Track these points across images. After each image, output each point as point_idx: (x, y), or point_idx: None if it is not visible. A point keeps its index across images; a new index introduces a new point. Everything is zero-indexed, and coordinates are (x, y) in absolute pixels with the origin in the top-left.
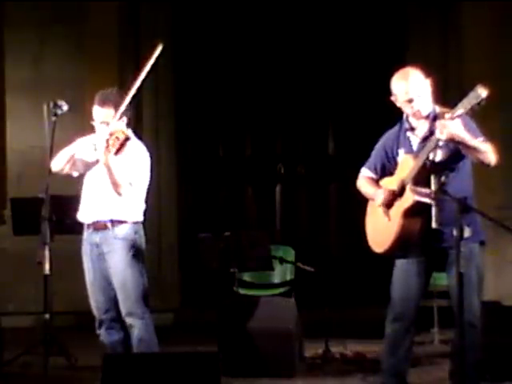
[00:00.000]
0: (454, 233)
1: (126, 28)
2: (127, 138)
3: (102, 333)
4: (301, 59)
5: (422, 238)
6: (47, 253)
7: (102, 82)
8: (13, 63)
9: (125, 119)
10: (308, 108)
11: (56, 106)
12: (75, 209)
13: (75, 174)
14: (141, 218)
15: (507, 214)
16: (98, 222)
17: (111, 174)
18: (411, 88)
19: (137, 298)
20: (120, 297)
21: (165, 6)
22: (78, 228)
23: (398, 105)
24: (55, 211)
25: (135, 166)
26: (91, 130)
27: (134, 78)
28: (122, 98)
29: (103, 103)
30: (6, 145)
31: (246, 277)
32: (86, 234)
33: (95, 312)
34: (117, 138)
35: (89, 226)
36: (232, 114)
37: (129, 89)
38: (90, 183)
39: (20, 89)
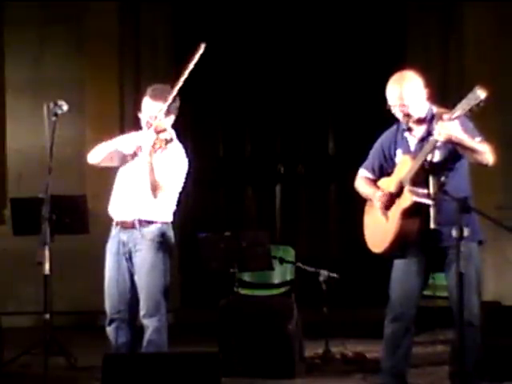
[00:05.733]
0: (453, 233)
1: (126, 28)
2: (171, 140)
3: (111, 331)
4: (301, 59)
5: (420, 238)
6: (47, 253)
7: (102, 82)
8: (13, 63)
9: (172, 117)
10: (308, 108)
11: (56, 105)
12: (75, 209)
13: (111, 165)
14: (170, 219)
15: (507, 214)
16: (126, 220)
17: (153, 175)
18: (403, 94)
19: (158, 301)
20: (142, 297)
21: (165, 6)
22: (78, 228)
23: (387, 108)
24: (55, 211)
25: (172, 168)
26: (91, 129)
27: (177, 79)
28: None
29: (156, 97)
30: (6, 145)
31: (246, 277)
32: (114, 232)
33: (107, 309)
34: (164, 139)
35: (117, 223)
36: (232, 113)
37: (171, 89)
38: (122, 181)
39: (20, 89)
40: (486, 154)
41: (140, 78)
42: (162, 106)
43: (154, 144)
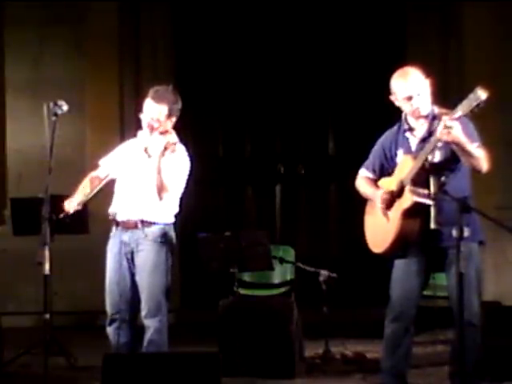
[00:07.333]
0: (454, 233)
1: (126, 28)
2: (175, 142)
3: (111, 331)
4: (301, 59)
5: (420, 238)
6: (47, 253)
7: (102, 82)
8: (13, 63)
9: (174, 119)
10: (308, 108)
11: (56, 105)
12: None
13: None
14: (172, 220)
15: (507, 214)
16: (128, 220)
17: (160, 177)
18: (410, 85)
19: (159, 301)
20: (143, 297)
21: (165, 6)
22: (78, 228)
23: (397, 104)
24: (55, 211)
25: (177, 170)
26: (91, 129)
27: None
28: (176, 97)
29: (159, 100)
30: (6, 145)
31: (246, 277)
32: (115, 232)
33: (108, 309)
34: (173, 142)
35: (118, 223)
36: (232, 114)
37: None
38: (124, 182)
39: (20, 89)
40: (481, 160)
41: (140, 78)
42: (163, 109)
43: (165, 148)
